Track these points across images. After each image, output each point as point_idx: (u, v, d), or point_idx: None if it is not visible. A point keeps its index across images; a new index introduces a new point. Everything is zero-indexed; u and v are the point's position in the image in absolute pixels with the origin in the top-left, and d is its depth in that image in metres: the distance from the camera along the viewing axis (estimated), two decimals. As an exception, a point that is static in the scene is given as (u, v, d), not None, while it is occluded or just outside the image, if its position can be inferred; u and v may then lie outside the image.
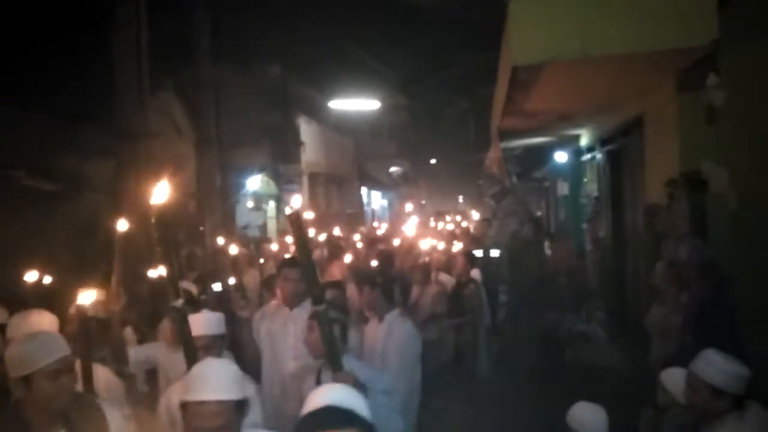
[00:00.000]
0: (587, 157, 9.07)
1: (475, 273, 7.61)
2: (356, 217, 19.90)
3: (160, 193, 2.16)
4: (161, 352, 4.04)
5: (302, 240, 2.71)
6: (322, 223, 13.38)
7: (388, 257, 7.01)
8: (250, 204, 15.42)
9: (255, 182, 15.18)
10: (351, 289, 5.86)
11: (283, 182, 16.54)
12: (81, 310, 4.06)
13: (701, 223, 4.81)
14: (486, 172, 12.67)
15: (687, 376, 2.72)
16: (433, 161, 32.61)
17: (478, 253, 7.95)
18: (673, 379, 3.02)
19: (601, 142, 8.08)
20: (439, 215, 20.10)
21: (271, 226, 16.34)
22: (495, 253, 8.55)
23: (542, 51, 4.54)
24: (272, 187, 16.29)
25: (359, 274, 4.77)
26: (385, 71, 15.72)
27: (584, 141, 9.17)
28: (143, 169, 8.94)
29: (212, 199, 11.85)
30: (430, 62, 15.26)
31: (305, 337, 3.32)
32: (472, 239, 9.39)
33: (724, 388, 2.58)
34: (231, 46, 13.07)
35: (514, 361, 6.64)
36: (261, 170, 14.98)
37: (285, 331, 3.92)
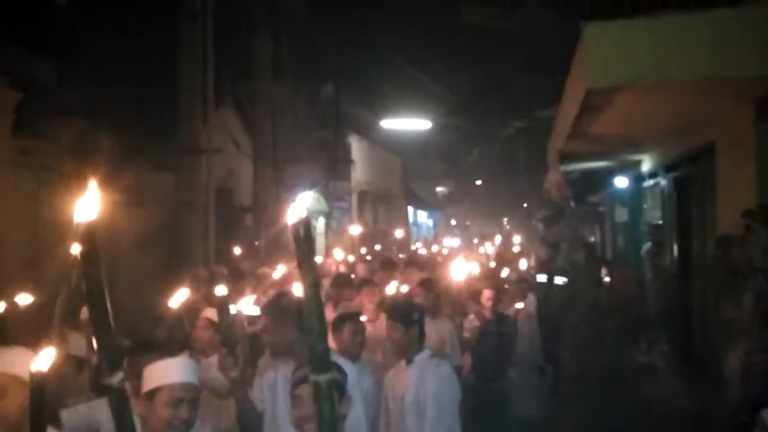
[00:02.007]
0: (649, 183, 8.84)
1: (530, 302, 7.40)
2: (402, 237, 19.91)
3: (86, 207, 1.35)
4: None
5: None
6: (369, 242, 13.42)
7: (429, 285, 6.01)
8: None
9: (306, 198, 15.36)
10: (381, 323, 5.07)
11: (333, 199, 16.70)
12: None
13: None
14: (544, 195, 12.51)
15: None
16: (479, 182, 32.44)
17: (542, 278, 7.79)
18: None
19: (666, 168, 7.86)
20: (484, 237, 19.93)
21: (320, 243, 16.47)
22: (559, 280, 8.27)
23: (618, 75, 4.45)
24: (322, 204, 16.46)
25: (396, 307, 4.10)
26: (437, 91, 15.79)
27: (646, 167, 8.95)
28: (203, 182, 9.16)
29: (267, 214, 12.03)
30: (485, 83, 15.24)
31: (291, 413, 2.60)
32: (540, 264, 9.23)
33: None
34: (287, 65, 13.34)
35: (576, 397, 6.42)
36: (312, 187, 15.15)
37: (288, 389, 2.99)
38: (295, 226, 1.33)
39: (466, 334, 5.65)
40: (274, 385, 3.22)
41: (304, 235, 1.34)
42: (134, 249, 9.05)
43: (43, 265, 7.34)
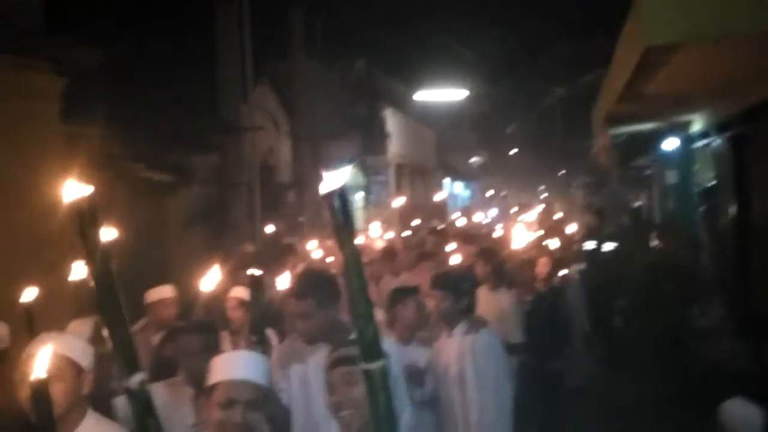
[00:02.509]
0: (700, 143, 8.57)
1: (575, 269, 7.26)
2: (440, 208, 19.83)
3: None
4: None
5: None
6: (412, 215, 13.39)
7: (489, 255, 5.77)
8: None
9: (343, 173, 15.37)
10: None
11: (371, 173, 16.70)
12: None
13: None
14: (591, 161, 12.27)
15: None
16: (514, 152, 31.99)
17: (590, 245, 7.65)
18: None
19: (719, 127, 7.59)
20: (522, 207, 19.68)
21: (359, 218, 16.53)
22: (608, 246, 8.06)
23: (680, 30, 4.28)
24: (360, 179, 16.47)
25: (446, 276, 3.92)
26: (472, 59, 15.53)
27: (697, 127, 8.66)
28: (246, 161, 9.24)
29: (309, 190, 12.10)
30: (521, 49, 14.91)
31: (326, 399, 2.22)
32: (587, 230, 9.09)
33: None
34: (320, 40, 13.27)
35: (630, 364, 6.32)
36: (350, 162, 15.16)
37: (322, 380, 2.52)
38: (330, 196, 1.19)
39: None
40: (305, 377, 2.89)
41: (341, 206, 1.20)
42: (182, 229, 9.23)
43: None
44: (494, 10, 13.14)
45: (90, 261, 1.14)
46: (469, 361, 3.46)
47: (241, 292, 4.21)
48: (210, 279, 3.67)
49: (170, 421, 2.34)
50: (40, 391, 1.48)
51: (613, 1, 4.69)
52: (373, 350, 1.22)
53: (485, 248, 5.83)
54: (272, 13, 11.31)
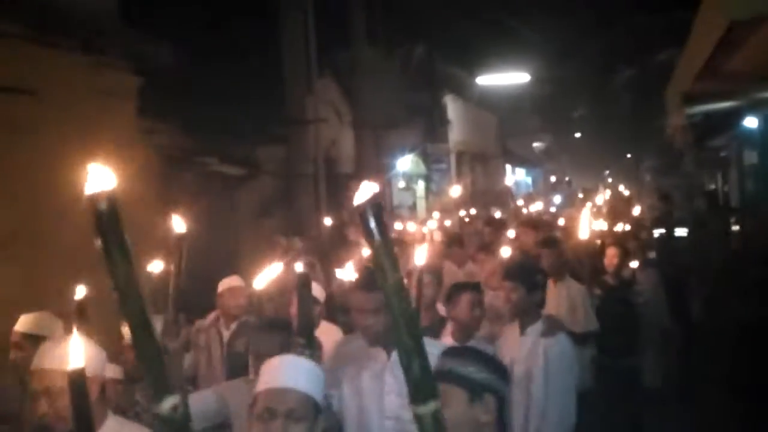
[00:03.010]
0: (784, 121, 8.11)
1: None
2: (502, 195, 19.58)
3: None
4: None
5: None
6: (470, 204, 13.28)
7: (554, 244, 5.31)
8: (401, 184, 15.69)
9: (405, 162, 15.39)
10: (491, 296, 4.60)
11: (432, 161, 16.64)
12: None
13: None
14: (666, 142, 11.81)
15: None
16: (578, 135, 31.18)
17: (659, 232, 7.27)
18: None
19: (806, 103, 7.16)
20: (587, 192, 19.13)
21: (420, 206, 16.52)
22: (680, 232, 7.54)
23: (764, 3, 4.06)
24: (421, 167, 16.44)
25: (519, 268, 3.68)
26: (535, 40, 15.14)
27: (781, 104, 8.19)
28: (311, 153, 9.38)
29: (370, 180, 12.18)
30: (588, 29, 14.43)
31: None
32: (655, 216, 8.64)
33: None
34: (380, 29, 13.26)
35: (710, 355, 6.04)
36: (411, 150, 15.14)
37: (378, 389, 2.53)
38: (363, 207, 1.00)
39: None
40: (359, 385, 2.62)
41: (376, 221, 1.00)
42: (251, 220, 9.49)
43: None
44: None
45: (111, 266, 0.95)
46: (541, 365, 3.25)
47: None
48: (268, 274, 3.43)
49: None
50: (77, 381, 1.39)
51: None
52: (422, 390, 1.01)
53: (548, 237, 5.47)
54: (334, 2, 11.39)
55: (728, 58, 5.22)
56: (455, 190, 9.71)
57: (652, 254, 6.96)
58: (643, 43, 11.44)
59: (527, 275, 3.53)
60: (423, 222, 9.87)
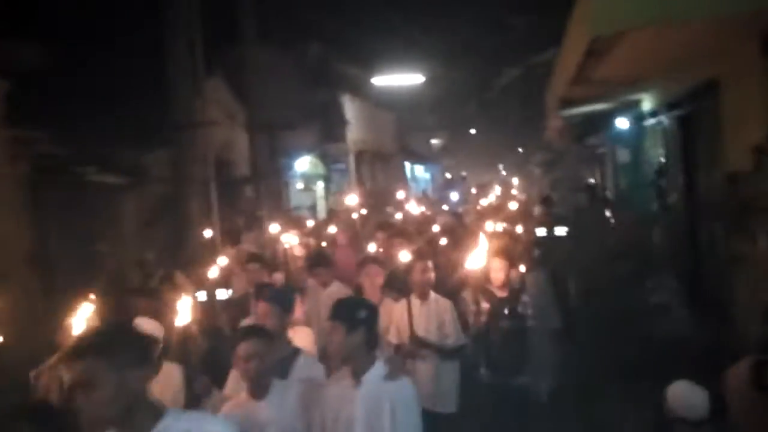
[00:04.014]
0: (650, 122, 8.79)
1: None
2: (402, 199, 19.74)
3: None
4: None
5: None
6: (371, 202, 13.39)
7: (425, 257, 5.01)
8: (299, 185, 15.55)
9: (304, 163, 15.27)
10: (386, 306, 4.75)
11: (331, 162, 16.60)
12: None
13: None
14: (545, 141, 12.44)
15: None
16: (473, 132, 32.21)
17: (541, 232, 7.25)
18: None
19: (668, 106, 7.80)
20: (482, 188, 19.80)
21: (321, 207, 16.46)
22: (561, 231, 7.48)
23: (623, 19, 4.36)
24: (320, 168, 16.37)
25: (339, 303, 3.14)
26: (428, 42, 15.51)
27: (647, 106, 8.87)
28: (201, 156, 9.08)
29: (267, 183, 11.97)
30: (476, 31, 14.98)
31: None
32: (532, 219, 8.22)
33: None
34: (272, 27, 13.03)
35: (589, 346, 6.36)
36: (309, 151, 15.04)
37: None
38: None
39: (471, 318, 4.72)
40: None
41: None
42: (139, 231, 9.04)
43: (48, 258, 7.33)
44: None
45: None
46: (384, 420, 2.83)
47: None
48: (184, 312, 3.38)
49: None
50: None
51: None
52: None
53: (419, 249, 5.24)
54: (223, 1, 11.05)
55: (596, 67, 5.57)
56: (351, 199, 9.10)
57: (537, 253, 6.88)
58: (526, 45, 12.04)
59: (346, 311, 3.00)
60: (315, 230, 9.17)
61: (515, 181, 21.04)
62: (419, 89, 20.81)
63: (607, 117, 9.82)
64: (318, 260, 5.74)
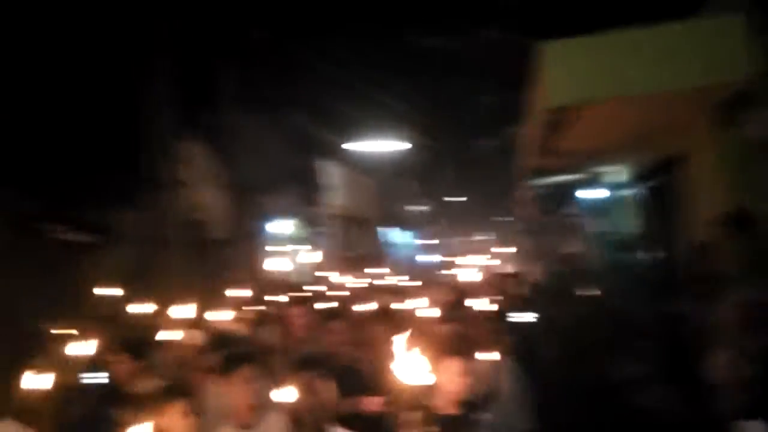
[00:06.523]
0: (623, 193, 8.91)
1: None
2: (376, 258, 19.66)
3: None
4: None
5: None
6: (346, 266, 13.29)
7: None
8: (276, 248, 15.42)
9: (288, 227, 15.24)
10: None
11: (312, 225, 16.58)
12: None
13: (758, 263, 4.61)
14: (515, 212, 12.54)
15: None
16: (455, 200, 32.50)
17: (513, 316, 6.40)
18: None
19: (638, 179, 7.92)
20: (460, 255, 19.77)
21: (301, 271, 16.28)
22: (527, 317, 6.45)
23: (577, 93, 4.47)
24: (302, 231, 16.32)
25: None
26: (407, 112, 15.87)
27: (619, 177, 9.02)
28: (171, 217, 8.99)
29: (246, 245, 11.86)
30: (453, 103, 15.38)
31: None
32: (506, 297, 7.13)
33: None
34: (253, 93, 13.26)
35: (563, 412, 6.12)
36: (288, 215, 15.02)
37: None
38: None
39: None
40: None
41: None
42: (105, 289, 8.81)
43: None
44: (423, 66, 13.55)
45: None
46: None
47: None
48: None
49: None
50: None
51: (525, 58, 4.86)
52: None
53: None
54: (200, 65, 11.26)
55: (557, 138, 5.65)
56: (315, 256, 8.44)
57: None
58: (502, 118, 12.35)
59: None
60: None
61: (500, 249, 20.99)
62: (399, 156, 21.14)
63: (580, 188, 9.94)
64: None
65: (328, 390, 2.76)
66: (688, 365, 6.38)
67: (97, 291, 7.83)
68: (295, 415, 3.01)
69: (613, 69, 4.32)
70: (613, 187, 9.16)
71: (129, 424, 2.77)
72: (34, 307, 7.29)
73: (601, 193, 9.62)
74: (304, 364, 2.69)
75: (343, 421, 3.37)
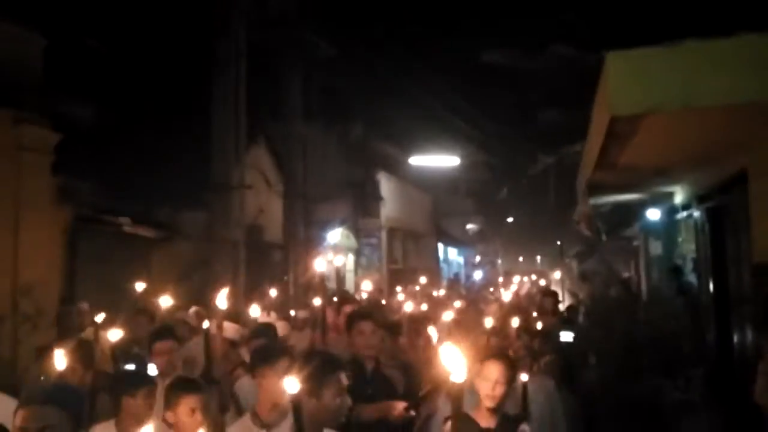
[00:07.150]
0: (682, 215, 8.68)
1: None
2: (431, 273, 19.72)
3: None
4: None
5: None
6: (400, 278, 13.38)
7: None
8: (329, 256, 15.68)
9: (335, 235, 15.47)
10: None
11: (363, 236, 16.78)
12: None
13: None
14: (575, 229, 12.38)
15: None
16: (510, 219, 32.19)
17: (556, 335, 6.45)
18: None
19: (698, 199, 7.72)
20: (508, 275, 19.47)
21: (349, 279, 16.48)
22: (567, 336, 6.30)
23: (642, 102, 4.44)
24: (352, 241, 16.53)
25: None
26: (465, 128, 15.98)
27: (678, 198, 8.79)
28: (235, 219, 9.33)
29: (297, 250, 12.15)
30: (511, 120, 15.43)
31: None
32: (547, 316, 6.81)
33: None
34: (318, 105, 13.66)
35: None
36: (342, 224, 15.27)
37: None
38: None
39: None
40: None
41: None
42: (167, 284, 9.21)
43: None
44: (486, 82, 13.67)
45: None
46: None
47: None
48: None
49: None
50: None
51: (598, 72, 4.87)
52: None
53: None
54: (270, 75, 11.71)
55: (618, 151, 5.60)
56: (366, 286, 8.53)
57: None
58: (559, 136, 12.26)
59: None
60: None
61: (557, 274, 20.37)
62: (456, 173, 21.16)
63: (640, 208, 9.75)
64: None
65: (336, 395, 2.65)
66: (741, 393, 6.18)
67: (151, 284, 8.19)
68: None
69: (682, 78, 4.28)
70: (675, 208, 8.96)
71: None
72: (97, 293, 7.71)
73: (659, 215, 9.42)
74: (321, 366, 2.66)
75: (367, 427, 3.45)
